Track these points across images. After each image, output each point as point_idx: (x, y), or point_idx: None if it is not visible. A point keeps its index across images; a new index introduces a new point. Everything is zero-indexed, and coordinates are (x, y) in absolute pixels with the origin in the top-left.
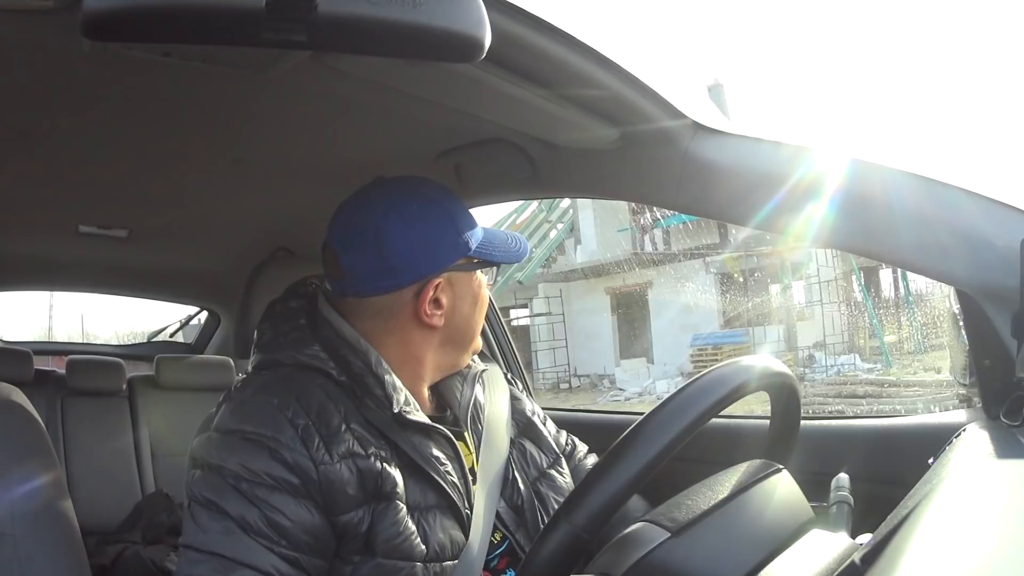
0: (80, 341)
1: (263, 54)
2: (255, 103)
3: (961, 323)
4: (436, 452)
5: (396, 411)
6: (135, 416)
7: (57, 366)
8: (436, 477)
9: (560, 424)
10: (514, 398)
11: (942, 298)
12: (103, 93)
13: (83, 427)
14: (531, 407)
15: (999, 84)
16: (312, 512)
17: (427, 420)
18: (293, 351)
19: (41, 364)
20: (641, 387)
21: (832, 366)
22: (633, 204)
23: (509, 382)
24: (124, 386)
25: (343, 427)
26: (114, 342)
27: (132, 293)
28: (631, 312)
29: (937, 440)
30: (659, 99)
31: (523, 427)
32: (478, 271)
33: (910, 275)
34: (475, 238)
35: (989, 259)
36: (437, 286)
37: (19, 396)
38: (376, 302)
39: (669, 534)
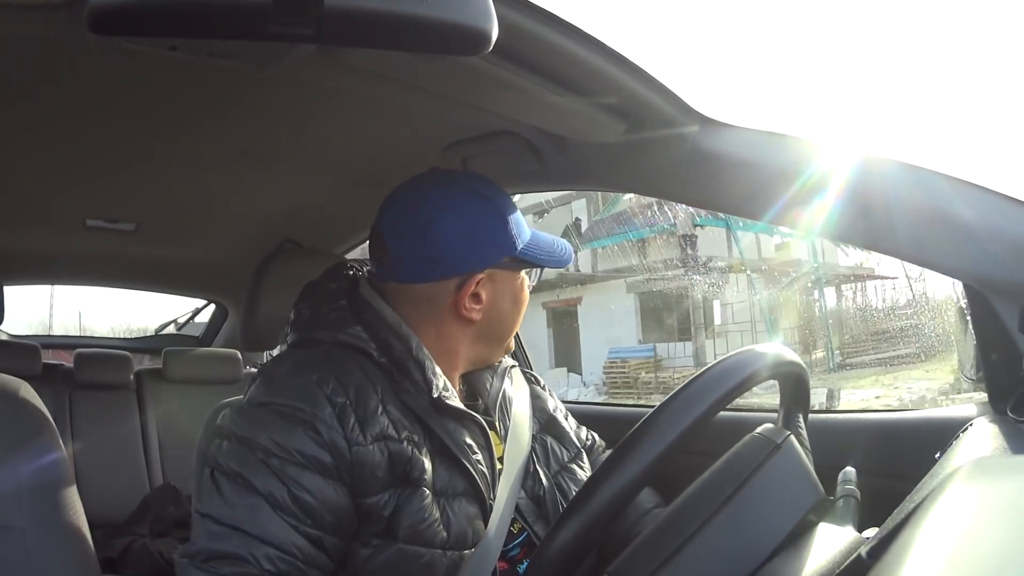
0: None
1: (270, 48)
2: (262, 97)
3: (968, 318)
4: (469, 440)
5: (435, 396)
6: (143, 409)
7: (56, 359)
8: (467, 464)
9: (574, 416)
10: (535, 396)
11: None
12: (109, 87)
13: (91, 420)
14: (553, 404)
15: (1003, 79)
16: (339, 492)
17: (463, 407)
18: (334, 330)
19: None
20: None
21: None
22: (569, 223)
23: (530, 380)
24: (132, 379)
25: (379, 409)
26: (109, 336)
27: (139, 286)
28: (564, 326)
29: (944, 434)
30: (666, 92)
31: (545, 423)
32: (521, 272)
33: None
34: (522, 239)
35: (996, 253)
36: (479, 281)
37: (27, 390)
38: (418, 290)
39: None
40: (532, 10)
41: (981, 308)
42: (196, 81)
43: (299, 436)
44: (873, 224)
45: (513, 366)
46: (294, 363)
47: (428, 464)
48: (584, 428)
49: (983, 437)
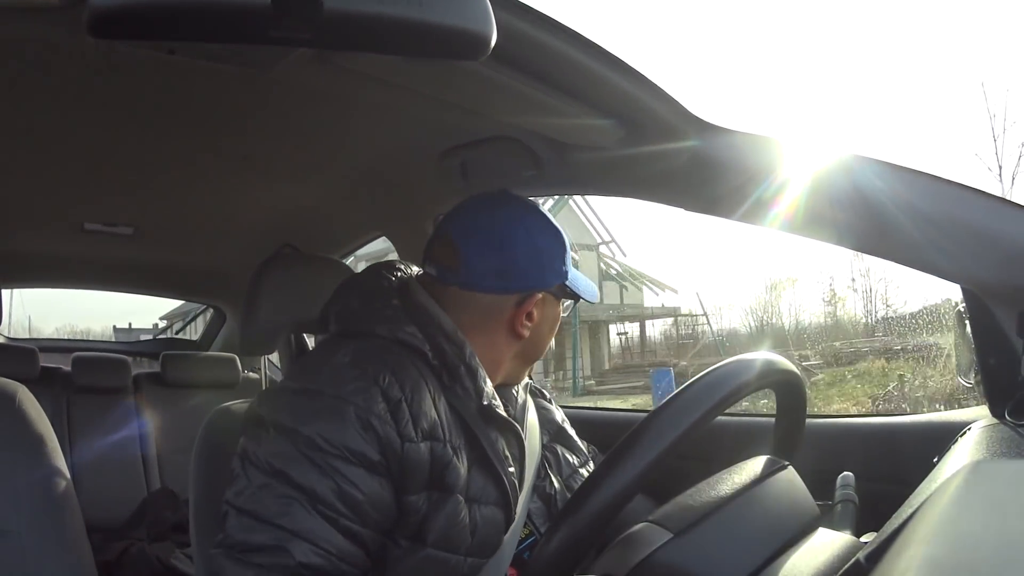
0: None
1: (269, 52)
2: (261, 101)
3: (967, 321)
4: (507, 451)
5: (485, 403)
6: (140, 413)
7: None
8: (502, 474)
9: (570, 420)
10: (542, 408)
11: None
12: (108, 91)
13: (89, 424)
14: (560, 415)
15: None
16: (384, 487)
17: (507, 417)
18: (390, 326)
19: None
20: None
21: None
22: None
23: (535, 393)
24: (130, 383)
25: (432, 407)
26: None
27: (137, 290)
28: None
29: (942, 439)
30: (666, 97)
31: (554, 433)
32: (561, 300)
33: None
34: (569, 269)
35: (995, 258)
36: (536, 300)
37: (25, 393)
38: (480, 299)
39: (672, 535)
40: (531, 15)
41: (979, 312)
42: (195, 85)
43: (350, 432)
44: (872, 229)
45: (530, 381)
46: (349, 354)
47: (464, 471)
48: (584, 442)
49: (981, 441)
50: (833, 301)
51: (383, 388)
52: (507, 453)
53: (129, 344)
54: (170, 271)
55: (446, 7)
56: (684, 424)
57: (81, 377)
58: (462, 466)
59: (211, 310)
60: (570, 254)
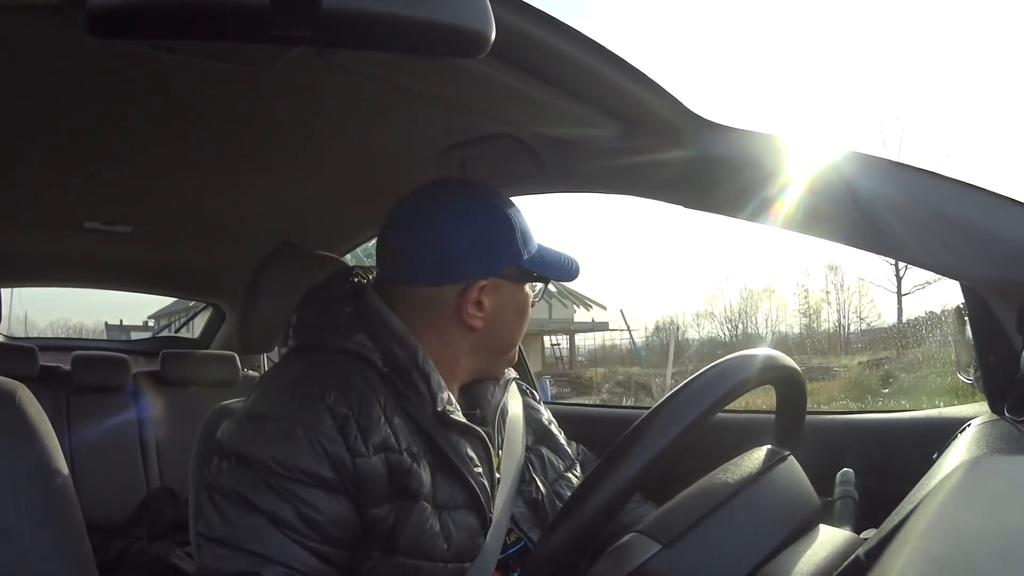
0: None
1: (267, 50)
2: (259, 99)
3: (966, 318)
4: (471, 453)
5: (440, 409)
6: (140, 411)
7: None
8: (468, 477)
9: (567, 418)
10: (530, 407)
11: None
12: (106, 89)
13: (88, 422)
14: (547, 416)
15: (1001, 80)
16: (344, 505)
17: (467, 421)
18: (339, 337)
19: None
20: None
21: None
22: None
23: (524, 391)
24: (129, 381)
25: (381, 418)
26: (48, 333)
27: (137, 288)
28: None
29: (941, 435)
30: (664, 94)
31: (540, 435)
32: (526, 285)
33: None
34: (529, 250)
35: (995, 254)
36: (482, 288)
37: (24, 392)
38: (421, 293)
39: (660, 546)
40: (530, 12)
41: (979, 309)
42: (193, 83)
43: (300, 453)
44: (872, 226)
45: (514, 378)
46: (295, 373)
47: (427, 477)
48: (574, 443)
49: (980, 437)
50: (808, 313)
51: (329, 406)
52: (471, 455)
53: (129, 343)
54: (169, 269)
55: (445, 4)
56: (686, 420)
57: (81, 376)
58: (424, 472)
59: (210, 308)
60: (526, 233)
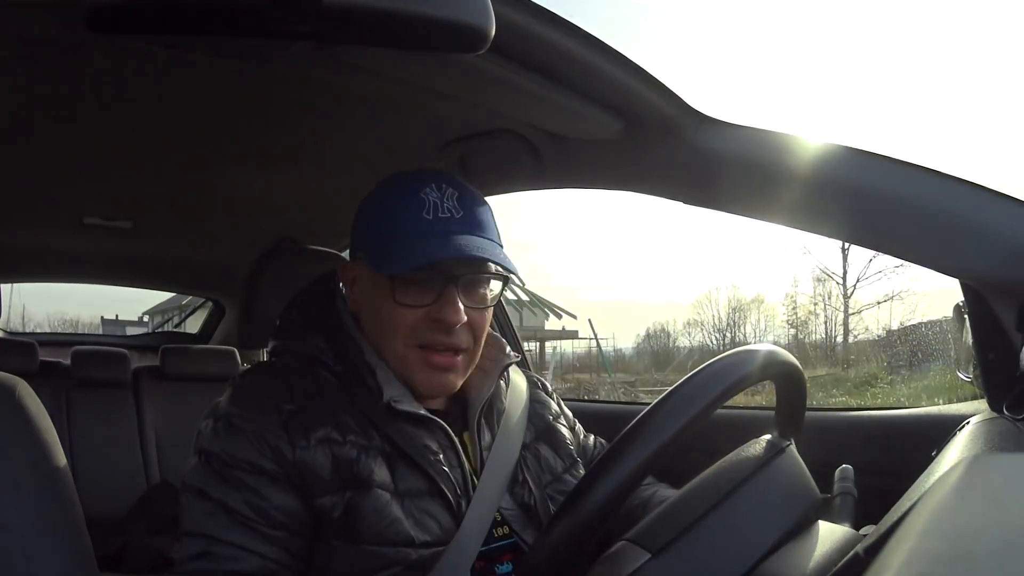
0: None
1: (267, 45)
2: (259, 94)
3: (966, 316)
4: (428, 441)
5: (385, 400)
6: (140, 407)
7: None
8: (425, 466)
9: (574, 414)
10: (537, 401)
11: None
12: (106, 84)
13: (88, 418)
14: (555, 411)
15: (1001, 78)
16: (290, 495)
17: (418, 410)
18: (297, 340)
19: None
20: None
21: None
22: None
23: (534, 384)
24: (129, 377)
25: (327, 415)
26: (46, 326)
27: (137, 284)
28: None
29: (940, 432)
30: (664, 89)
31: (542, 431)
32: (389, 282)
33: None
34: (375, 239)
35: (995, 253)
36: (344, 270)
37: (24, 387)
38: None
39: (649, 555)
40: (530, 8)
41: (979, 307)
42: (193, 78)
43: (246, 446)
44: (871, 223)
45: (510, 364)
46: (254, 375)
47: (382, 466)
48: (592, 436)
49: (980, 435)
50: (796, 324)
51: (276, 403)
52: (428, 443)
53: (129, 338)
54: (169, 264)
55: (445, 0)
56: (686, 415)
57: (80, 371)
58: (375, 462)
59: (207, 304)
60: (388, 218)
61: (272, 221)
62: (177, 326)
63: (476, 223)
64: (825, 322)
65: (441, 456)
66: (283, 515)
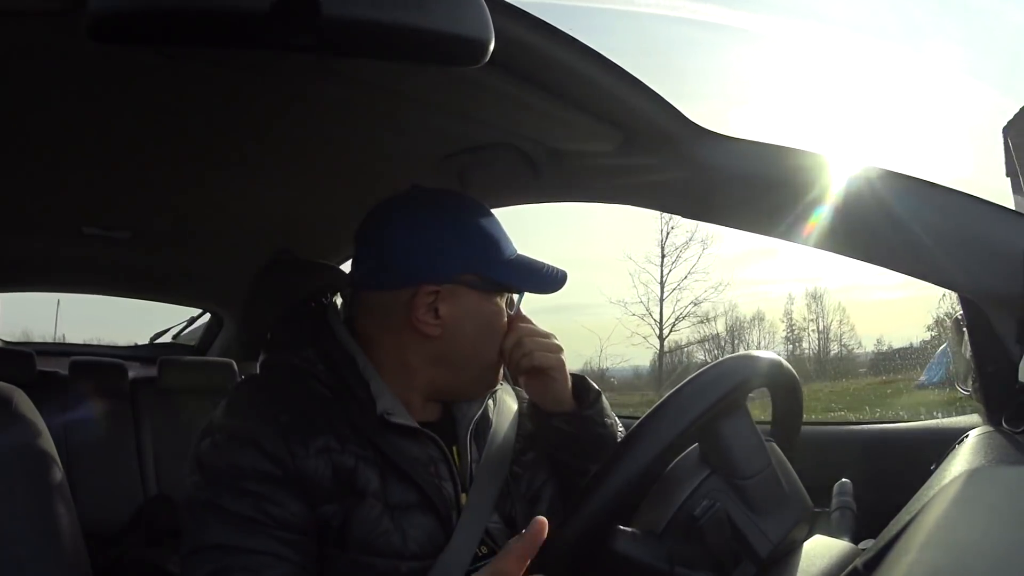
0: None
1: (267, 57)
2: (259, 106)
3: (965, 330)
4: (420, 454)
5: (378, 413)
6: (138, 418)
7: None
8: (416, 478)
9: None
10: (524, 415)
11: None
12: (107, 95)
13: (85, 429)
14: None
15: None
16: (297, 500)
17: (410, 423)
18: (289, 354)
19: None
20: None
21: None
22: None
23: (524, 401)
24: (127, 388)
25: (323, 427)
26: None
27: (135, 295)
28: None
29: (939, 446)
30: (663, 103)
31: (529, 446)
32: (496, 296)
33: None
34: (495, 258)
35: (994, 266)
36: (436, 294)
37: (21, 397)
38: (375, 297)
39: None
40: (529, 22)
41: (978, 320)
42: (193, 89)
43: (249, 456)
44: (870, 237)
45: (495, 390)
46: (249, 389)
47: (376, 477)
48: None
49: (978, 448)
50: (791, 339)
51: (273, 414)
52: (418, 455)
53: (126, 349)
54: (167, 276)
55: (445, 13)
56: (688, 417)
57: (78, 381)
58: (370, 471)
59: (206, 316)
60: (492, 240)
61: (271, 233)
62: (175, 337)
63: None
64: (819, 336)
65: (433, 469)
66: (294, 517)
